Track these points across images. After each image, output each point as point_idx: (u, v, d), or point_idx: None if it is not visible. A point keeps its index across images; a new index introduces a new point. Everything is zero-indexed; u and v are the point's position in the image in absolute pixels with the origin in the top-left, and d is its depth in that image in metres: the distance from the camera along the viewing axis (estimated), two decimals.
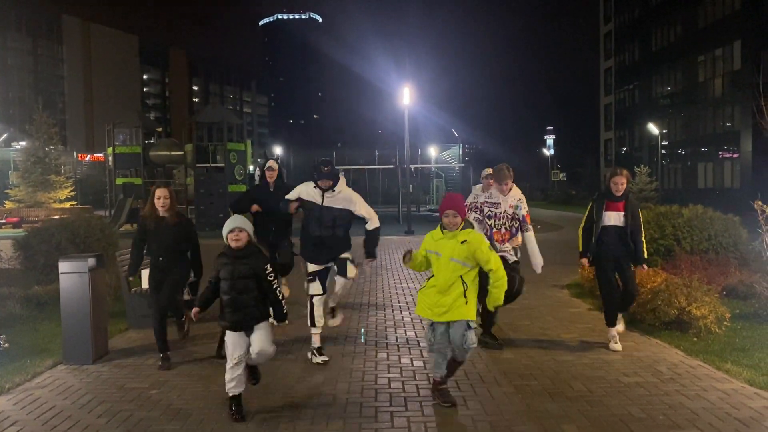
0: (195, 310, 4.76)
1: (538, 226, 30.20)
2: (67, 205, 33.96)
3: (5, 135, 49.46)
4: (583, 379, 5.48)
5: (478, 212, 6.73)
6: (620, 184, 6.23)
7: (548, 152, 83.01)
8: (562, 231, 24.98)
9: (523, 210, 6.67)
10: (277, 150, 54.16)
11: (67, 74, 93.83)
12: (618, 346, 6.36)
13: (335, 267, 6.19)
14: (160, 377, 5.69)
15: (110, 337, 7.16)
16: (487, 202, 6.68)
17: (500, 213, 6.58)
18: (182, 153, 28.25)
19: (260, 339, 4.65)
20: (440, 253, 4.71)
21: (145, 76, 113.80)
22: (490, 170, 7.47)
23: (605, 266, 6.40)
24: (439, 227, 4.83)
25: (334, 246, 6.15)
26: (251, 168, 30.35)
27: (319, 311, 6.10)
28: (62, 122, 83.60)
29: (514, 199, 6.66)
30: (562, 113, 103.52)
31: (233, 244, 4.66)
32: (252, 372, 4.88)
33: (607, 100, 61.48)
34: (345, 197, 6.11)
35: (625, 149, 56.33)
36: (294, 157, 51.93)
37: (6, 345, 6.70)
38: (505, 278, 4.79)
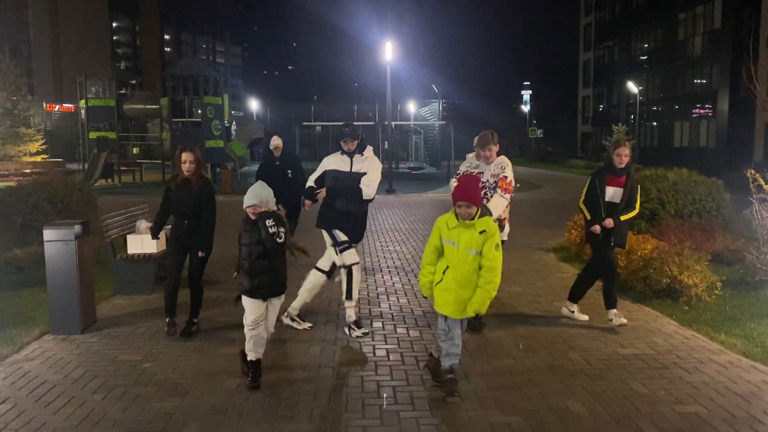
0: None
1: (518, 185, 30.34)
2: (38, 158, 33.12)
3: None
4: (580, 350, 5.48)
5: None
6: (624, 156, 5.92)
7: (525, 108, 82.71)
8: (542, 190, 25.09)
9: (505, 172, 5.98)
10: (253, 103, 53.09)
11: (33, 20, 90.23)
12: (624, 320, 6.09)
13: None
14: (153, 349, 5.56)
15: (96, 303, 7.00)
16: (468, 172, 6.13)
17: (483, 183, 6.04)
18: (158, 107, 27.54)
19: (271, 316, 4.89)
20: (458, 244, 4.33)
21: (114, 24, 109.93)
22: None
23: (605, 246, 6.11)
24: (452, 212, 4.46)
25: (361, 223, 5.89)
26: (231, 124, 29.73)
27: (358, 278, 5.90)
28: (29, 71, 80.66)
29: (497, 166, 6.08)
30: (540, 69, 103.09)
31: (251, 217, 4.72)
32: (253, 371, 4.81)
33: (586, 57, 61.19)
34: (369, 165, 5.80)
35: (602, 106, 56.38)
36: (270, 111, 51.12)
37: None
38: (498, 281, 4.35)
